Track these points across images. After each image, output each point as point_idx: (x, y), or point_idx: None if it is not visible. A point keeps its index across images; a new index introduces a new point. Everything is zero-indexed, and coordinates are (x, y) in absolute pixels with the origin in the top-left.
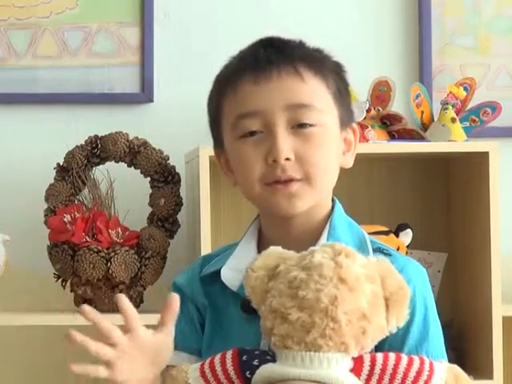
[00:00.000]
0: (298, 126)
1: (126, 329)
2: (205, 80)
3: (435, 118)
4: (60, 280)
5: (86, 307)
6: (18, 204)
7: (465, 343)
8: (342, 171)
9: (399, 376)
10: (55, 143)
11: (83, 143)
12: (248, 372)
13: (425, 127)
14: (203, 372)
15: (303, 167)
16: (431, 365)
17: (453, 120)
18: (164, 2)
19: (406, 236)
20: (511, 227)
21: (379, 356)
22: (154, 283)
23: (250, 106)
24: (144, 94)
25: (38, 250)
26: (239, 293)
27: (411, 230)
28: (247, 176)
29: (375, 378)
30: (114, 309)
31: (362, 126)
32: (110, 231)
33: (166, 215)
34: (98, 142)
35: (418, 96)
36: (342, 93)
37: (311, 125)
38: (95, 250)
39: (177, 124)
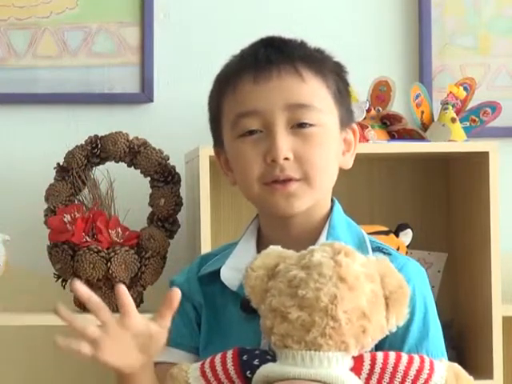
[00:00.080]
0: (298, 126)
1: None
2: (205, 80)
3: (435, 118)
4: (60, 280)
5: (78, 284)
6: (18, 204)
7: (465, 343)
8: (342, 171)
9: (399, 375)
10: (55, 143)
11: (83, 143)
12: (248, 372)
13: (425, 127)
14: (203, 371)
15: (302, 167)
16: (431, 363)
17: (453, 120)
18: (164, 2)
19: (406, 236)
20: (511, 227)
21: (379, 355)
22: (153, 283)
23: (249, 106)
24: (144, 94)
25: (38, 250)
26: (239, 292)
27: (411, 229)
28: (246, 175)
29: (375, 376)
30: (114, 309)
31: (362, 126)
32: (110, 231)
33: (166, 215)
34: (98, 142)
35: (417, 96)
36: (342, 93)
37: (311, 125)
38: (95, 249)
39: (177, 124)
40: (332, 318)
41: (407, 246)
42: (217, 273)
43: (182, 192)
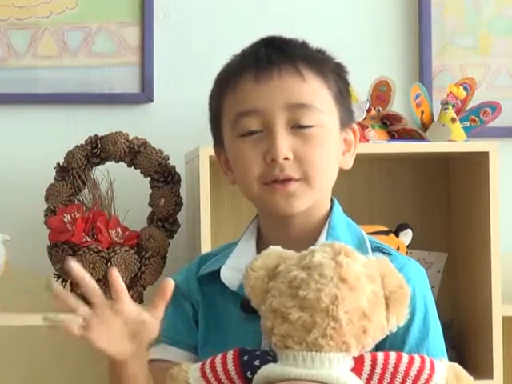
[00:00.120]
0: (298, 126)
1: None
2: (205, 80)
3: (435, 118)
4: (60, 280)
5: (73, 264)
6: (18, 204)
7: (465, 343)
8: (342, 171)
9: (400, 375)
10: (55, 143)
11: (83, 143)
12: (249, 372)
13: (425, 127)
14: (204, 372)
15: (302, 167)
16: (432, 363)
17: (453, 120)
18: (164, 2)
19: (406, 236)
20: (511, 227)
21: (380, 355)
22: (153, 283)
23: (249, 105)
24: (144, 94)
25: (38, 250)
26: (239, 292)
27: (411, 229)
28: (246, 175)
29: (376, 377)
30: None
31: (362, 126)
32: (110, 231)
33: (166, 215)
34: (98, 141)
35: (418, 96)
36: (342, 94)
37: (311, 125)
38: (95, 249)
39: (177, 124)
40: (333, 318)
41: (407, 246)
42: (217, 273)
43: (182, 192)
